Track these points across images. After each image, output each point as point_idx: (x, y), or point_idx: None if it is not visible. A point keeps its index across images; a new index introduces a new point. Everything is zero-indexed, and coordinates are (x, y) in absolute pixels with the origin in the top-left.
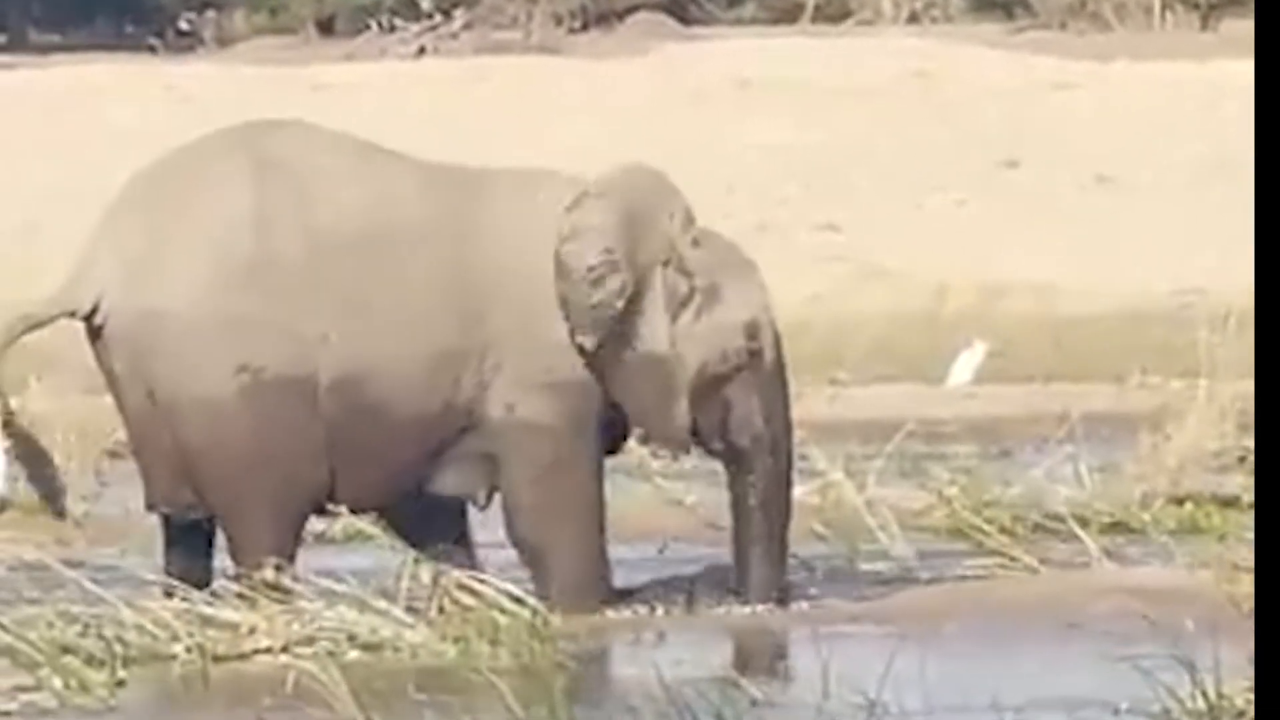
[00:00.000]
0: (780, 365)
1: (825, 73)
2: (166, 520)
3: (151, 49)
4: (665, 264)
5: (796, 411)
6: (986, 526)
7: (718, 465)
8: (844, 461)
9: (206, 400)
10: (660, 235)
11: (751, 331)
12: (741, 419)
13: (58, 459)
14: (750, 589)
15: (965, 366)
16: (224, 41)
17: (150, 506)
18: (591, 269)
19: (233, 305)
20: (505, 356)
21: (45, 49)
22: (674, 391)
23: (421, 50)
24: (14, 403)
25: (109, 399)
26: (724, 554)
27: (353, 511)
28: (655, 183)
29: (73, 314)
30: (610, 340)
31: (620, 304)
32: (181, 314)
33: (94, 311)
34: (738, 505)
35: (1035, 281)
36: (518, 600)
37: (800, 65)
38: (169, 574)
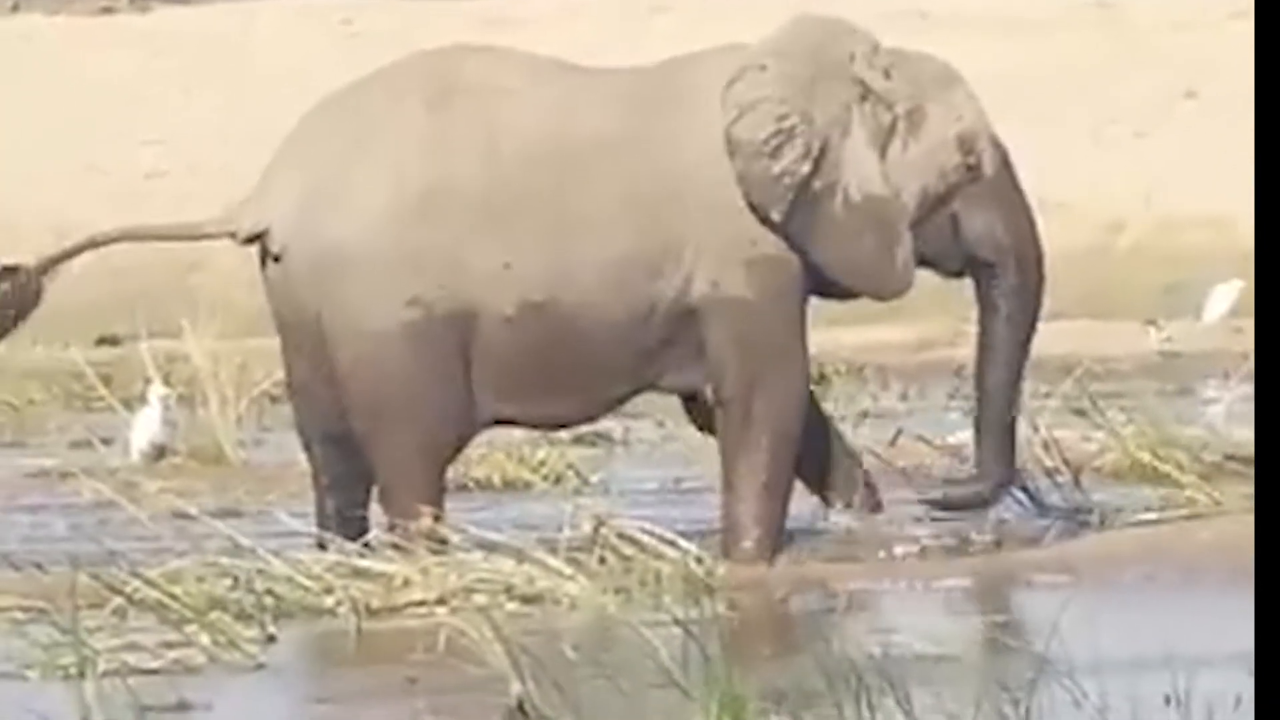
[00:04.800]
0: (1007, 169)
1: (1004, 3)
2: (321, 463)
3: None
4: (862, 101)
5: (959, 355)
6: (1164, 467)
7: None
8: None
9: (372, 333)
10: (845, 80)
11: (966, 144)
12: (975, 233)
13: (214, 405)
14: (993, 396)
15: (1221, 301)
16: None
17: (306, 446)
18: (767, 141)
19: (408, 237)
20: (705, 240)
21: None
22: (898, 230)
23: None
24: (171, 347)
25: (263, 342)
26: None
27: (557, 428)
28: (825, 31)
29: (232, 235)
30: (807, 205)
31: (807, 168)
32: (356, 245)
33: (256, 238)
34: (985, 318)
35: (1215, 214)
36: (683, 551)
37: None
38: (321, 522)
